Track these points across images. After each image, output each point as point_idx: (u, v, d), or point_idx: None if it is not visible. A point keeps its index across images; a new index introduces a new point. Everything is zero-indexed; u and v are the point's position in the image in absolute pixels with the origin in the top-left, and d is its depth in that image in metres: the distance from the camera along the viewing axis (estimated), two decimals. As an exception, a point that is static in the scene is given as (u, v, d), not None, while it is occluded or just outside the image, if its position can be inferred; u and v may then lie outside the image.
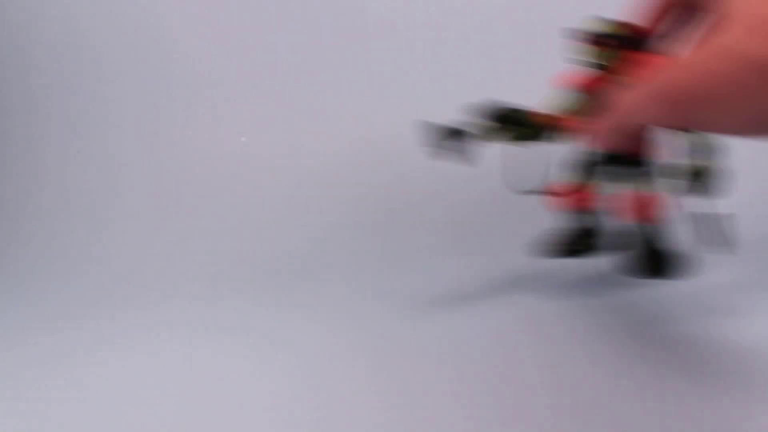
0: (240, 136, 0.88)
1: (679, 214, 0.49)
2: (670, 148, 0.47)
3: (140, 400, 0.43)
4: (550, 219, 0.54)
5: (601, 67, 0.48)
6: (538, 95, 0.51)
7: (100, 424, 0.40)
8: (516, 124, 0.50)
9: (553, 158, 0.52)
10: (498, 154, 0.52)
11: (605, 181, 0.51)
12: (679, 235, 0.50)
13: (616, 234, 0.52)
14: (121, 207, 0.89)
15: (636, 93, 0.35)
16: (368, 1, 0.90)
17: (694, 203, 0.47)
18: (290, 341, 0.52)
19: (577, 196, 0.53)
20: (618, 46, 0.46)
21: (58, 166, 0.94)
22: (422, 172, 0.71)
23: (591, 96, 0.49)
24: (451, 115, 0.51)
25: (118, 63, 0.94)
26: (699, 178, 0.46)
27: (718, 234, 0.48)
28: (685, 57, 0.30)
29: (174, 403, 0.42)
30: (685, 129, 0.33)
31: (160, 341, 0.53)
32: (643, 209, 0.50)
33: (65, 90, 0.95)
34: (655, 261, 0.50)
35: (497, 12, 0.86)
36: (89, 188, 0.92)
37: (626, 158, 0.49)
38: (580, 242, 0.54)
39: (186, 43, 0.93)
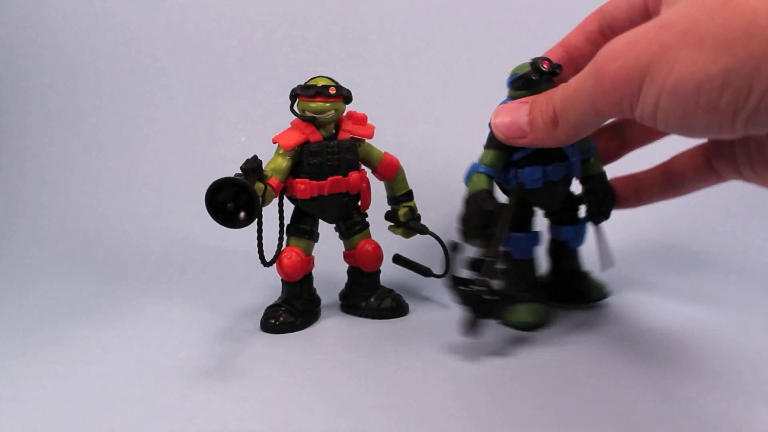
0: (240, 136, 0.88)
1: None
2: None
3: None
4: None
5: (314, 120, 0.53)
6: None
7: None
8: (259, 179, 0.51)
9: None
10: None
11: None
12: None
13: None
14: (120, 207, 0.89)
15: (574, 81, 0.37)
16: (368, 2, 0.90)
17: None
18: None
19: None
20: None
21: (57, 165, 0.94)
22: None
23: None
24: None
25: (118, 63, 0.94)
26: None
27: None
28: (626, 35, 0.34)
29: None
30: (621, 114, 0.35)
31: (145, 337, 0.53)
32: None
33: (67, 89, 0.95)
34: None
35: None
36: (89, 188, 0.92)
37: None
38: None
39: (186, 44, 0.93)
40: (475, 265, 0.47)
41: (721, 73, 0.28)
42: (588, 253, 0.56)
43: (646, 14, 0.42)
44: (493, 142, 0.50)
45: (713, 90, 0.29)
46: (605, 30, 0.47)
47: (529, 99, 0.43)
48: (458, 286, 0.47)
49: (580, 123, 0.38)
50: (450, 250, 0.49)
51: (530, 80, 0.48)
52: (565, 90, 0.39)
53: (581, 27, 0.49)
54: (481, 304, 0.46)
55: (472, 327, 0.47)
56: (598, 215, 0.54)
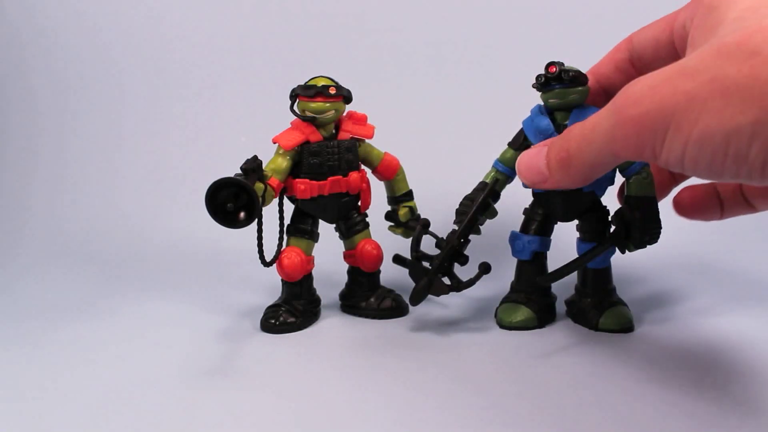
0: (240, 136, 0.88)
1: None
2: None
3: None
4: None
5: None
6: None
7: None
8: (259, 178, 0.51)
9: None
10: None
11: None
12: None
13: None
14: (120, 207, 0.89)
15: (592, 120, 0.36)
16: (369, 2, 0.90)
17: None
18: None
19: None
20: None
21: (58, 165, 0.94)
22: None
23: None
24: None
25: (118, 63, 0.94)
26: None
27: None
28: (648, 78, 0.32)
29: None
30: (640, 158, 0.34)
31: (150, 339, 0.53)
32: None
33: (67, 89, 0.95)
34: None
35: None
36: (89, 188, 0.92)
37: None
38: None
39: (186, 44, 0.94)
40: (440, 245, 0.52)
41: (749, 124, 0.28)
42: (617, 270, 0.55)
43: (673, 52, 0.41)
44: (515, 143, 0.53)
45: (742, 141, 0.29)
46: (635, 60, 0.46)
47: (548, 141, 0.42)
48: (416, 259, 0.52)
49: (595, 163, 0.37)
50: (420, 227, 0.53)
51: (540, 83, 0.50)
52: (583, 128, 0.38)
53: (611, 55, 0.48)
54: (423, 279, 0.51)
55: (414, 297, 0.52)
56: (624, 241, 0.49)
